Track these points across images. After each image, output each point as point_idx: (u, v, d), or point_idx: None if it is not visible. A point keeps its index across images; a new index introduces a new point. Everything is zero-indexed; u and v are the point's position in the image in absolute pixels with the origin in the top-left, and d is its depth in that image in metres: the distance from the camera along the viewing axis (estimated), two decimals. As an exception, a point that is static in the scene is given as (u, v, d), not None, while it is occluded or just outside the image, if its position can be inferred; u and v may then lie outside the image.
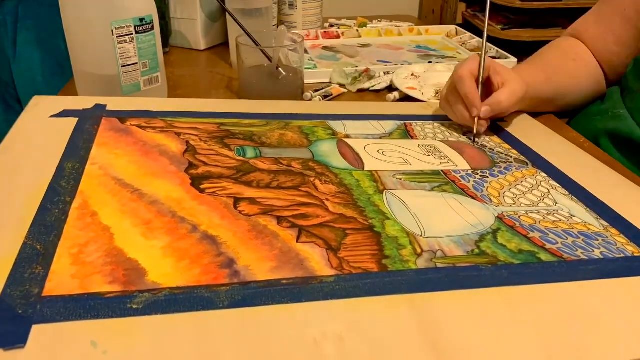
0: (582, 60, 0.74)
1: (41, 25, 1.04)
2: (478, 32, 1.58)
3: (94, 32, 0.67)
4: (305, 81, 0.80)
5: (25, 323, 0.30)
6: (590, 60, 0.75)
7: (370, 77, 0.83)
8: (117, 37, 0.68)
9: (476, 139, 0.60)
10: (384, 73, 0.86)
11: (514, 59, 0.92)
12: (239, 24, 0.78)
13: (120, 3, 0.68)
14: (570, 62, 0.73)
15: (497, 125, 0.64)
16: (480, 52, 0.61)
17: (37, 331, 0.29)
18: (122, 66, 0.69)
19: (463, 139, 0.60)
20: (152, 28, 0.71)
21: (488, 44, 1.01)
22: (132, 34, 0.69)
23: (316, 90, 0.79)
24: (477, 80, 0.60)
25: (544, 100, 0.70)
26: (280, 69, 0.74)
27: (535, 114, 0.73)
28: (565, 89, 0.72)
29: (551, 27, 1.56)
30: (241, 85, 0.77)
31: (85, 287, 0.33)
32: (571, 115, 0.79)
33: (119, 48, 0.68)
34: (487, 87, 0.62)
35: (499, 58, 0.95)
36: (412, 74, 0.85)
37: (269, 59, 0.73)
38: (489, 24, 1.59)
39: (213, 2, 0.98)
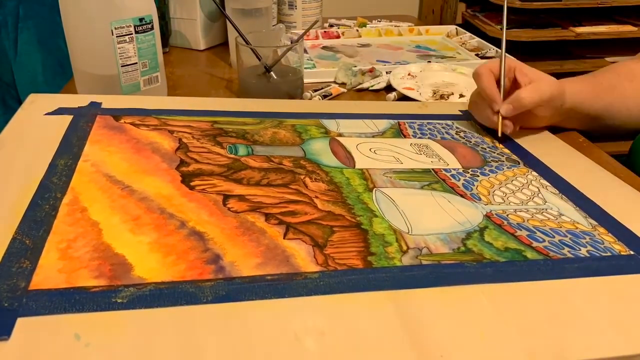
0: (639, 81, 0.69)
1: (42, 26, 1.05)
2: (478, 33, 1.58)
3: (93, 32, 0.68)
4: (306, 80, 0.80)
5: (11, 316, 0.30)
6: None
7: (375, 76, 0.84)
8: (116, 37, 0.68)
9: (499, 133, 0.58)
10: (386, 72, 0.86)
11: (512, 59, 0.92)
12: (230, 21, 0.78)
13: (120, 3, 0.68)
14: (626, 83, 0.68)
15: (491, 125, 0.64)
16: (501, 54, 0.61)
17: (22, 324, 0.30)
18: (121, 66, 0.70)
19: (457, 137, 0.60)
20: (152, 28, 0.72)
21: (486, 43, 1.02)
22: (132, 34, 0.70)
23: (316, 90, 0.79)
24: (498, 80, 0.59)
25: (590, 117, 0.66)
26: (271, 72, 0.74)
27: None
28: (618, 109, 0.67)
29: (551, 27, 1.56)
30: (240, 85, 0.77)
31: (71, 281, 0.33)
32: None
33: (119, 48, 0.69)
34: (514, 89, 0.60)
35: (498, 57, 0.95)
36: (409, 74, 0.86)
37: (259, 58, 0.74)
38: (489, 24, 1.59)
39: (213, 2, 0.98)
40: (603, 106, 0.66)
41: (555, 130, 0.66)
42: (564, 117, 0.64)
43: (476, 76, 0.60)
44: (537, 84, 0.58)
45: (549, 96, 0.58)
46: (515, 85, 0.60)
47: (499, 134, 0.58)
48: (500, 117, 0.58)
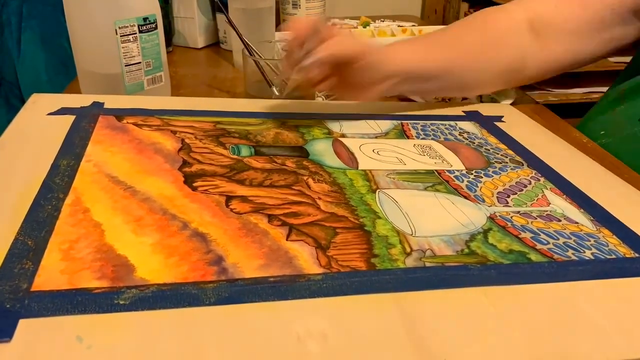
0: (491, 29, 0.63)
1: (45, 25, 1.05)
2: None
3: (97, 32, 0.68)
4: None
5: (12, 317, 0.30)
6: (505, 30, 0.63)
7: None
8: (120, 36, 0.68)
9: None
10: None
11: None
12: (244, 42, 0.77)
13: (124, 2, 0.68)
14: (471, 35, 0.63)
15: (495, 126, 0.64)
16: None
17: (24, 325, 0.30)
18: (125, 65, 0.70)
19: (460, 138, 0.60)
20: (156, 27, 0.72)
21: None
22: (136, 33, 0.70)
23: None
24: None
25: (429, 77, 0.60)
26: (274, 87, 0.70)
27: (538, 117, 0.72)
28: (460, 63, 0.62)
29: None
30: (249, 96, 0.75)
31: (73, 282, 0.33)
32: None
33: (123, 47, 0.69)
34: None
35: None
36: None
37: (269, 84, 0.70)
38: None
39: (209, 0, 0.98)
40: (440, 64, 0.60)
41: (558, 130, 0.66)
42: (387, 81, 0.58)
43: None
44: (338, 39, 0.53)
45: (349, 52, 0.54)
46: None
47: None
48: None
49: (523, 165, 0.55)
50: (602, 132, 0.66)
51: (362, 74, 0.56)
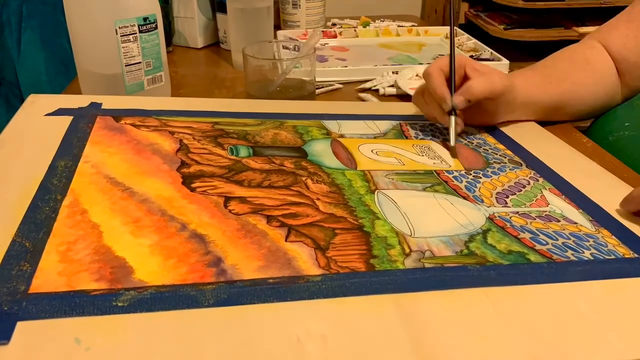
0: (593, 69, 0.69)
1: (45, 25, 1.05)
2: (481, 32, 1.57)
3: (98, 31, 0.68)
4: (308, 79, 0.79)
5: (10, 320, 0.30)
6: (604, 69, 0.70)
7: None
8: (120, 36, 0.68)
9: (453, 140, 0.56)
10: (392, 72, 0.85)
11: (506, 61, 0.91)
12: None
13: (124, 2, 0.68)
14: (579, 72, 0.69)
15: (493, 126, 0.64)
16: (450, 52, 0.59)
17: (22, 328, 0.30)
18: (125, 65, 0.70)
19: (459, 139, 0.60)
20: (156, 27, 0.72)
21: (483, 45, 1.01)
22: (136, 33, 0.69)
23: (318, 88, 0.79)
24: (448, 78, 0.58)
25: (544, 109, 0.66)
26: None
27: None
28: (571, 99, 0.68)
29: (554, 27, 1.56)
30: (249, 95, 0.75)
31: (71, 284, 0.33)
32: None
33: (123, 47, 0.69)
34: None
35: (492, 60, 0.94)
36: (417, 75, 0.85)
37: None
38: (492, 24, 1.59)
39: (209, 0, 0.98)
40: (556, 97, 0.66)
41: (557, 131, 0.66)
42: (517, 111, 0.64)
43: (426, 76, 0.58)
44: (488, 76, 0.58)
45: (500, 89, 0.58)
46: (466, 82, 0.59)
47: (451, 134, 0.57)
48: (453, 119, 0.57)
49: (522, 165, 0.55)
50: (627, 124, 0.69)
51: (501, 107, 0.62)
